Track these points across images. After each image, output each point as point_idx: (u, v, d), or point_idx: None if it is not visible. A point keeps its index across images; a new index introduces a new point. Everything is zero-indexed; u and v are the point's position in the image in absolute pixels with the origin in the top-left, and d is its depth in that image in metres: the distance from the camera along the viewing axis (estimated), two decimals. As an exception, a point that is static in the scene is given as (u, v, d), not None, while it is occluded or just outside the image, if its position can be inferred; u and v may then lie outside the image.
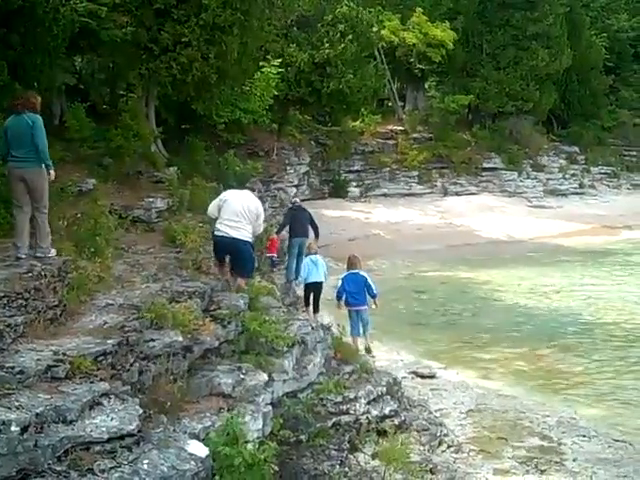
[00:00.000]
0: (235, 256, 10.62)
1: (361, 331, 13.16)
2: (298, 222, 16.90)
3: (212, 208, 11.18)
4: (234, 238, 10.55)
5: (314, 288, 14.35)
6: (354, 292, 13.06)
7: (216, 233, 10.85)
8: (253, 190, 11.42)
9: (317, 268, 14.36)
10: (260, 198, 23.59)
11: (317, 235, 16.26)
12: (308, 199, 28.83)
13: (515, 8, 40.03)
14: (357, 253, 14.41)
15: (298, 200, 19.63)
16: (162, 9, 16.58)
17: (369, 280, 13.17)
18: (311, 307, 14.29)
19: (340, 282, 13.32)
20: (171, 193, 16.17)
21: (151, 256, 11.88)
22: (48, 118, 16.97)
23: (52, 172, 8.96)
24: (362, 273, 13.32)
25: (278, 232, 16.69)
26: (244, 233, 10.60)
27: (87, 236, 10.81)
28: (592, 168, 45.35)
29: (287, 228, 16.47)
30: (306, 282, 14.49)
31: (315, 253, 14.85)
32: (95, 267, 9.30)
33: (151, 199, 15.28)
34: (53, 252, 8.87)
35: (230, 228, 10.58)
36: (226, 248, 10.68)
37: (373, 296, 13.18)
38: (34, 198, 8.85)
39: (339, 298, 13.25)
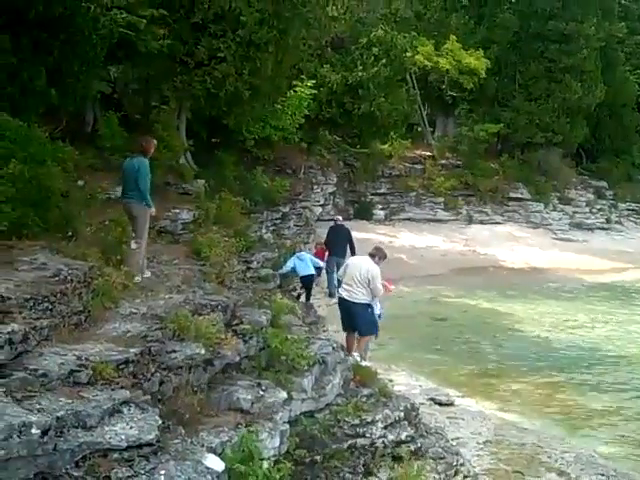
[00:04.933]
0: (349, 316, 12.17)
1: None
2: (337, 242, 19.06)
3: (340, 272, 13.19)
4: (346, 299, 12.13)
5: (305, 280, 17.16)
6: None
7: (338, 295, 12.74)
8: (373, 256, 12.43)
9: (303, 262, 17.04)
10: (284, 216, 24.02)
11: (353, 254, 18.25)
12: (333, 219, 28.82)
13: (550, 40, 39.90)
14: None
15: (340, 218, 21.27)
16: (199, 23, 16.78)
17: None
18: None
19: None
20: (198, 206, 16.29)
21: (175, 267, 11.94)
22: (81, 126, 17.30)
23: (152, 210, 10.57)
24: None
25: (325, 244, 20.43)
26: (354, 295, 11.98)
27: (114, 243, 10.89)
28: (620, 204, 44.99)
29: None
30: (300, 276, 17.42)
31: (300, 251, 18.16)
32: (120, 275, 9.33)
33: (177, 210, 15.40)
34: (137, 279, 9.77)
35: (345, 291, 12.17)
36: (343, 309, 12.32)
37: None
38: (133, 227, 10.56)
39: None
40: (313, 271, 17.34)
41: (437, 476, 9.10)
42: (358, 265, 12.33)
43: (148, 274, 10.40)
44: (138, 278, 9.87)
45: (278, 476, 6.20)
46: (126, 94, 19.33)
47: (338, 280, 13.25)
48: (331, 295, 18.18)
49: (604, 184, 44.97)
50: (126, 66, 18.13)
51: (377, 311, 13.36)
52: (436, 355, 16.93)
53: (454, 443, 10.50)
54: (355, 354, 11.97)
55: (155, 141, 11.17)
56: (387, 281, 14.02)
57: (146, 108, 19.19)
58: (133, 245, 10.33)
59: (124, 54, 15.99)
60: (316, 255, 18.96)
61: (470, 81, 37.54)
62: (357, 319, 12.12)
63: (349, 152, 33.14)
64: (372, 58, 26.89)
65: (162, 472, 5.62)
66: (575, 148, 44.11)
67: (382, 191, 36.21)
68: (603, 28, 42.56)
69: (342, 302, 12.36)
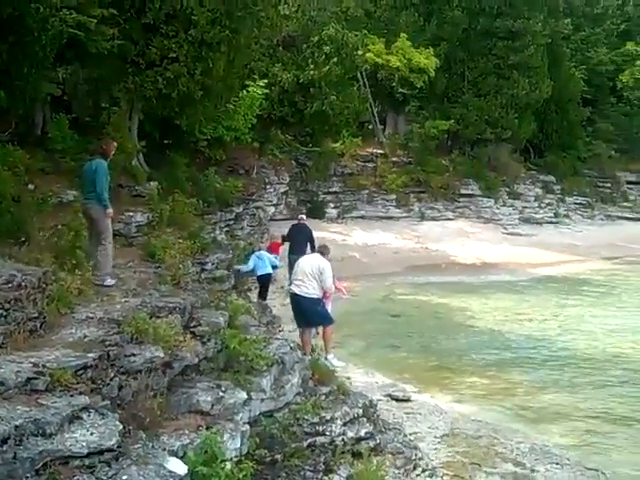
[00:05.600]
0: (301, 311, 12.74)
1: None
2: (297, 240, 19.62)
3: (293, 274, 13.55)
4: (297, 294, 12.69)
5: (263, 279, 17.56)
6: None
7: (290, 292, 13.14)
8: (323, 254, 13.39)
9: (262, 261, 17.48)
10: (238, 216, 23.97)
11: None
12: (286, 219, 28.87)
13: (498, 37, 40.45)
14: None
15: (304, 217, 21.58)
16: (151, 24, 16.66)
17: None
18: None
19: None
20: (151, 208, 16.20)
21: (130, 270, 11.90)
22: (30, 128, 17.05)
23: (109, 211, 10.44)
24: None
25: (283, 241, 20.98)
26: (304, 289, 12.58)
27: (67, 248, 10.81)
28: (567, 198, 45.89)
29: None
30: (257, 276, 17.70)
31: (259, 249, 18.38)
32: (75, 279, 9.26)
33: (131, 213, 15.29)
34: (110, 281, 9.91)
35: (296, 287, 12.73)
36: (294, 303, 12.86)
37: None
38: (95, 231, 10.48)
39: None
40: (270, 270, 17.62)
41: (396, 471, 9.21)
42: (309, 261, 13.10)
43: None
44: (112, 281, 9.97)
45: (241, 476, 6.22)
46: (76, 96, 19.05)
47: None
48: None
49: (552, 178, 45.78)
50: (76, 67, 17.90)
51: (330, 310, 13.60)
52: (392, 351, 17.07)
53: (412, 438, 10.61)
54: (330, 356, 12.27)
55: (115, 143, 11.17)
56: (338, 280, 14.23)
57: (96, 110, 18.96)
58: (100, 249, 10.28)
59: (74, 55, 15.79)
60: (270, 249, 19.34)
61: (420, 79, 37.84)
62: (309, 313, 12.65)
63: (301, 151, 33.16)
64: (323, 56, 26.95)
65: (124, 477, 5.63)
66: (523, 143, 44.81)
67: (334, 190, 36.30)
68: (549, 25, 43.32)
69: (293, 297, 12.92)
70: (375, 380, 13.88)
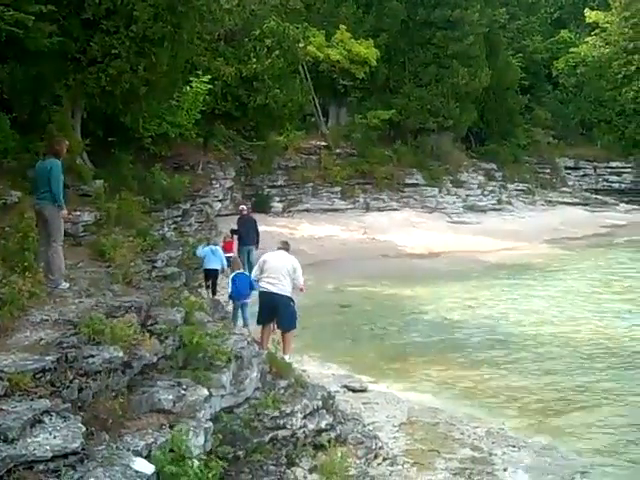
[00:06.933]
0: (274, 309, 12.57)
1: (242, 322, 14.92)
2: (245, 231, 19.87)
3: (255, 271, 13.24)
4: (273, 292, 12.48)
5: (211, 274, 17.44)
6: (242, 289, 14.64)
7: (260, 289, 12.89)
8: (287, 250, 13.24)
9: (215, 257, 17.37)
10: (185, 212, 23.81)
11: (257, 243, 19.08)
12: (232, 214, 28.73)
13: (437, 27, 40.94)
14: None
15: (245, 208, 21.73)
16: (91, 20, 16.36)
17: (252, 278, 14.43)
18: (204, 290, 17.59)
19: (230, 283, 14.89)
20: (98, 207, 15.99)
21: (81, 271, 11.74)
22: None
23: (64, 211, 10.40)
24: (246, 273, 15.61)
25: (232, 233, 21.44)
26: (281, 287, 12.49)
27: (16, 250, 10.61)
28: (509, 185, 46.66)
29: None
30: (204, 268, 17.57)
31: (215, 244, 18.29)
32: (26, 282, 9.10)
33: (78, 213, 15.06)
34: (64, 285, 9.81)
35: (271, 285, 12.52)
36: (268, 301, 12.57)
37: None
38: (48, 232, 10.21)
39: (232, 298, 15.07)
40: (219, 267, 17.62)
41: (358, 461, 9.29)
42: (280, 259, 12.86)
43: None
44: (66, 284, 9.86)
45: (210, 475, 6.20)
46: (16, 94, 18.63)
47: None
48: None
49: (493, 166, 46.53)
50: (14, 65, 17.52)
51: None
52: (346, 342, 17.17)
53: (371, 428, 10.72)
54: (286, 357, 12.18)
55: (67, 142, 10.99)
56: None
57: (37, 108, 18.57)
58: (51, 252, 10.06)
59: (12, 53, 15.44)
60: (225, 247, 19.45)
61: (361, 70, 38.03)
62: (282, 312, 12.56)
63: (245, 145, 33.04)
64: (265, 50, 26.88)
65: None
66: (465, 132, 45.38)
67: (279, 183, 36.34)
68: (486, 14, 43.93)
69: (267, 295, 12.63)
70: (331, 372, 13.97)
